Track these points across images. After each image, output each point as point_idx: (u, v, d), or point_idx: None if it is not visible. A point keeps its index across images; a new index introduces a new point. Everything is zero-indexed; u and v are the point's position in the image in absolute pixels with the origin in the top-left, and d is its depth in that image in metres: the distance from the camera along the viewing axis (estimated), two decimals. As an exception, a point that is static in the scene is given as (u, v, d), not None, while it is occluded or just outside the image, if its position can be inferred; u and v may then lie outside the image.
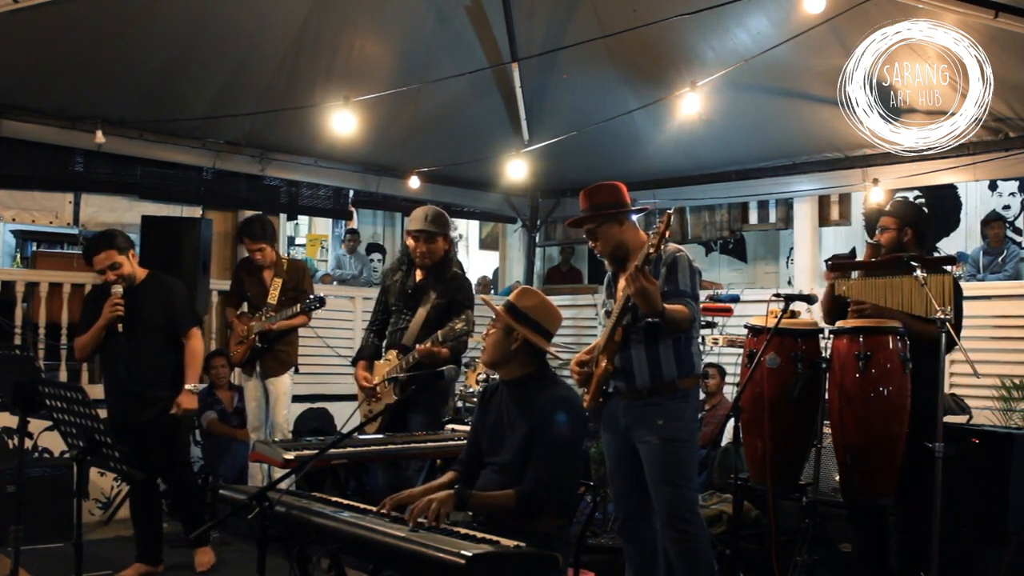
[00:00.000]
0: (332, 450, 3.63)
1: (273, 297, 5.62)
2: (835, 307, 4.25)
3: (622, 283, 3.62)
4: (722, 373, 6.39)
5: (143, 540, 4.68)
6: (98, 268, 4.55)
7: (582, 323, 8.98)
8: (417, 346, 4.44)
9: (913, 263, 3.84)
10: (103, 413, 3.85)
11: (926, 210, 6.67)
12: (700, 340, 4.32)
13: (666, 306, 3.37)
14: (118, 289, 4.52)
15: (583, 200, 3.69)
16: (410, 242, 4.61)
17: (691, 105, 6.15)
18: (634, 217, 3.79)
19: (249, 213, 7.27)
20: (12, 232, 8.33)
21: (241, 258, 5.95)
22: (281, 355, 5.68)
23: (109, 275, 4.53)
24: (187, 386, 4.60)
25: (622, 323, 3.53)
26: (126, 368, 4.57)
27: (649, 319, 3.44)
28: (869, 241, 4.29)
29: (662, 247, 3.53)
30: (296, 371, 5.89)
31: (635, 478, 3.60)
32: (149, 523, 4.70)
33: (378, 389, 4.56)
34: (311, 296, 5.48)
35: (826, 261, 4.42)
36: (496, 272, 11.21)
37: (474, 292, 4.76)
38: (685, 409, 3.54)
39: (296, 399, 6.38)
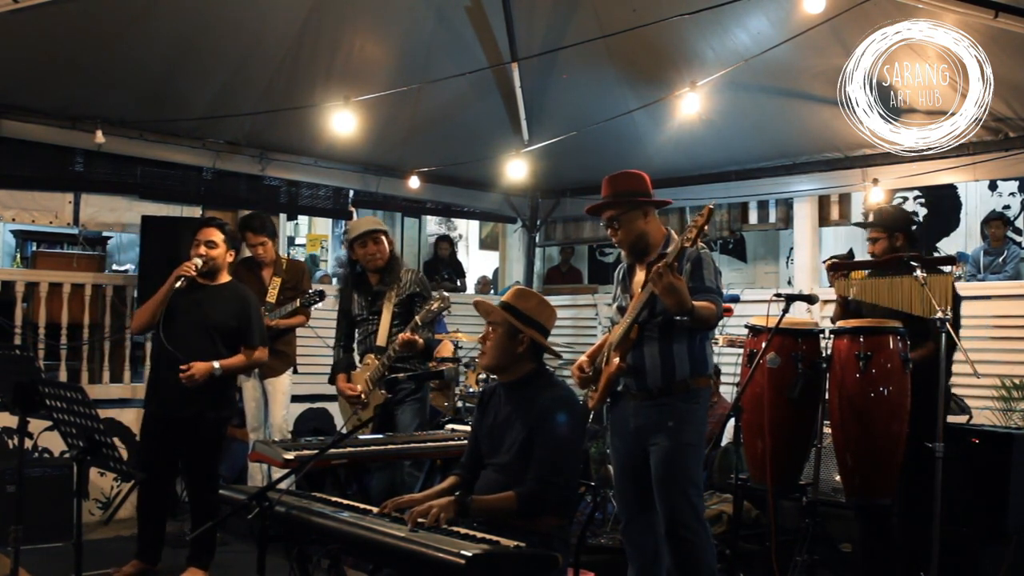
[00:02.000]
0: (332, 450, 3.63)
1: (272, 296, 5.63)
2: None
3: (638, 277, 3.56)
4: (717, 373, 6.39)
5: (145, 539, 4.61)
6: (198, 237, 4.58)
7: (582, 323, 8.98)
8: (398, 336, 4.58)
9: (913, 263, 3.85)
10: (105, 413, 3.84)
11: (910, 211, 6.72)
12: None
13: (695, 303, 3.30)
14: (197, 261, 4.49)
15: (606, 186, 3.59)
16: (358, 251, 4.82)
17: (691, 105, 6.15)
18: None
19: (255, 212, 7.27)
20: (12, 232, 8.33)
21: (241, 258, 5.95)
22: (280, 355, 5.66)
23: (201, 249, 4.53)
24: (216, 363, 4.42)
25: (639, 320, 3.45)
26: (179, 362, 4.40)
27: (677, 317, 3.34)
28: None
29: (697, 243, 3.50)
30: (295, 371, 5.89)
31: (642, 481, 3.55)
32: (155, 523, 4.63)
33: (363, 395, 4.66)
34: (310, 292, 5.49)
35: (824, 262, 4.43)
36: (496, 272, 11.21)
37: (427, 279, 5.01)
38: (696, 411, 3.48)
39: (296, 399, 6.38)
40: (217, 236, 4.60)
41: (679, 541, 3.39)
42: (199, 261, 4.50)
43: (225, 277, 4.68)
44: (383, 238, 4.82)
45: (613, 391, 3.58)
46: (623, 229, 3.56)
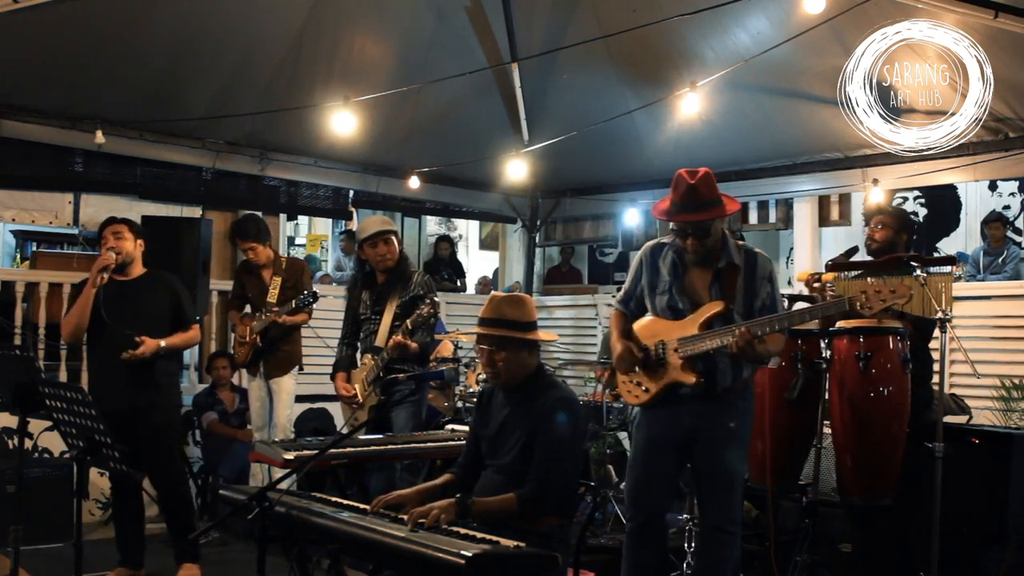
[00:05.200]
0: (332, 450, 3.63)
1: (273, 296, 5.61)
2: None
3: (699, 278, 3.38)
4: None
5: (126, 543, 4.55)
6: (104, 234, 4.54)
7: (582, 323, 8.97)
8: (387, 344, 4.58)
9: (913, 263, 3.85)
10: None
11: (909, 211, 6.75)
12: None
13: (771, 349, 3.30)
14: (111, 254, 4.44)
15: (687, 194, 3.26)
16: (368, 251, 4.80)
17: (691, 105, 6.14)
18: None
19: (249, 213, 7.28)
20: (12, 232, 8.34)
21: (241, 260, 5.95)
22: (284, 355, 5.65)
23: (109, 241, 4.49)
24: (162, 341, 4.41)
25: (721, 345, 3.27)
26: (123, 351, 4.35)
27: None
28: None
29: (739, 250, 3.40)
30: (301, 370, 5.86)
31: (672, 475, 3.46)
32: (132, 526, 4.58)
33: (360, 395, 4.67)
34: (304, 292, 5.47)
35: (827, 264, 4.43)
36: (496, 272, 11.21)
37: (434, 283, 4.97)
38: (752, 408, 3.46)
39: (296, 399, 6.36)
40: (122, 228, 4.56)
41: (725, 535, 3.36)
42: (112, 254, 4.45)
43: (140, 269, 4.62)
44: (393, 239, 4.81)
45: (672, 394, 3.39)
46: (712, 235, 3.33)
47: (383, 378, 4.63)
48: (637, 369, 3.44)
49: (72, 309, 4.52)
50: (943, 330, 3.66)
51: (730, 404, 3.36)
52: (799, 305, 4.37)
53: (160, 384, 4.48)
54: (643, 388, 3.44)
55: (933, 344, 4.18)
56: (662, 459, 3.43)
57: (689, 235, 3.32)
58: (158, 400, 4.46)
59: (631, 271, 3.62)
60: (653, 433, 3.45)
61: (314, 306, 5.68)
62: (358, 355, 4.89)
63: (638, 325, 3.51)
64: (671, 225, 3.40)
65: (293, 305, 5.45)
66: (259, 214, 6.85)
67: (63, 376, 6.36)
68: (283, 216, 9.83)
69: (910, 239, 4.37)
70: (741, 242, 3.47)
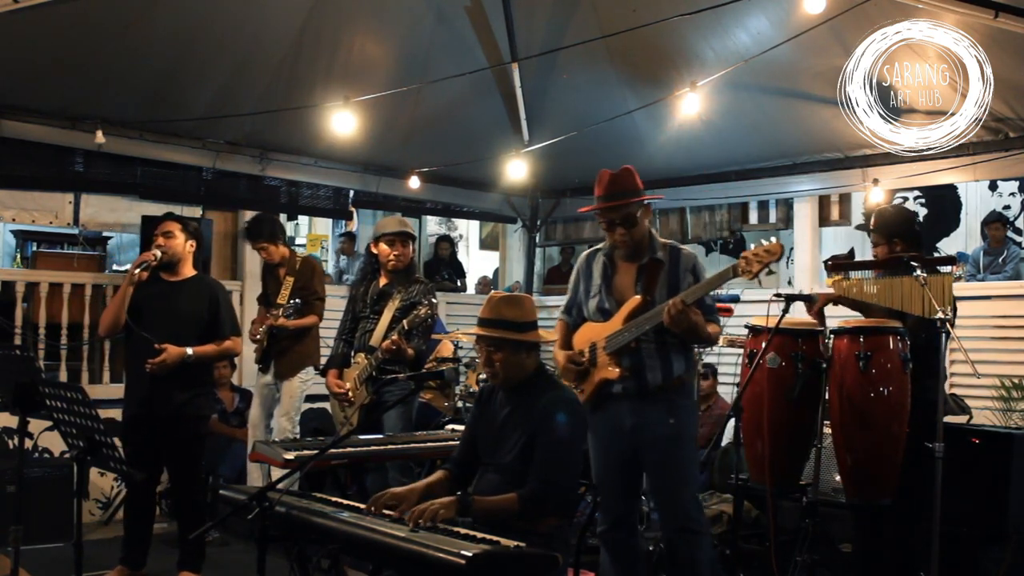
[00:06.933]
0: (332, 450, 3.63)
1: (283, 296, 5.54)
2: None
3: (624, 278, 3.53)
4: (714, 373, 6.41)
5: (132, 542, 4.54)
6: (155, 233, 4.57)
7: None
8: (382, 343, 4.56)
9: (913, 263, 3.85)
10: (105, 413, 3.83)
11: (911, 209, 6.61)
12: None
13: (706, 332, 3.38)
14: (156, 252, 4.45)
15: (611, 184, 3.47)
16: (383, 247, 4.79)
17: (691, 105, 6.15)
18: None
19: (249, 213, 7.27)
20: (12, 232, 8.33)
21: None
22: (293, 356, 5.56)
23: (159, 239, 4.51)
24: (188, 349, 4.38)
25: (641, 333, 3.39)
26: (146, 360, 4.35)
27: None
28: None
29: (665, 247, 3.51)
30: (317, 369, 5.79)
31: (630, 481, 3.55)
32: (142, 527, 4.57)
33: (350, 393, 4.66)
34: (288, 302, 5.40)
35: (825, 262, 4.42)
36: (496, 272, 11.21)
37: (435, 292, 4.98)
38: (692, 405, 3.57)
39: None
40: (174, 227, 4.57)
41: (688, 534, 3.38)
42: (158, 252, 4.46)
43: (189, 271, 4.62)
44: (410, 243, 4.83)
45: (608, 394, 3.51)
46: (637, 227, 3.47)
47: (376, 378, 4.62)
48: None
49: (109, 304, 4.56)
50: (942, 329, 3.65)
51: (667, 401, 3.43)
52: (798, 305, 4.38)
53: (185, 394, 4.44)
54: (580, 391, 3.54)
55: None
56: (620, 473, 3.55)
57: (617, 225, 3.45)
58: (183, 410, 4.44)
59: (571, 280, 3.78)
60: (607, 451, 3.58)
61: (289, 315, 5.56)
62: (352, 353, 4.87)
63: (576, 333, 3.65)
64: (599, 221, 3.56)
65: (280, 312, 5.39)
66: (272, 214, 6.81)
67: (63, 376, 6.37)
68: (283, 216, 9.81)
69: (910, 241, 4.27)
70: (667, 240, 3.59)
